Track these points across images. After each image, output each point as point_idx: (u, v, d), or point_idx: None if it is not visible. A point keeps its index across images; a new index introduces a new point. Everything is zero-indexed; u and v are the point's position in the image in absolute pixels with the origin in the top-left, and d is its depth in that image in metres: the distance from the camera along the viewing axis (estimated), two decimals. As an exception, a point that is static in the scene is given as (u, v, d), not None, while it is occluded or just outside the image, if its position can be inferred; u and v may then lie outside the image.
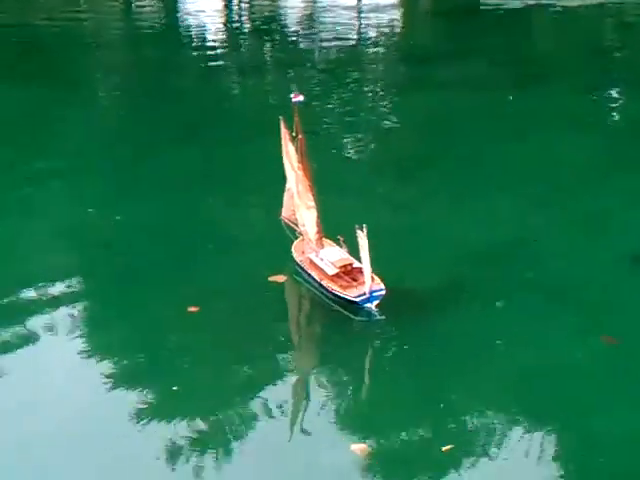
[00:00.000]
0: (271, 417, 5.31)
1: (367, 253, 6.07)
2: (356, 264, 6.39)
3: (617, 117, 9.57)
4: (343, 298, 6.26)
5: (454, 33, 13.65)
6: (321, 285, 6.49)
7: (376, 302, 6.13)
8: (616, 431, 5.09)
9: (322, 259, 6.56)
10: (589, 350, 5.69)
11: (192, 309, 6.23)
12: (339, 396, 5.47)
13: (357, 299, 6.18)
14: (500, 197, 7.56)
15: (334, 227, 6.56)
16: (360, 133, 9.70)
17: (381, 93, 11.15)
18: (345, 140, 9.51)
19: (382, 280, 6.17)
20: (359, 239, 6.09)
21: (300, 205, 6.65)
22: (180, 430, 5.22)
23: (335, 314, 6.25)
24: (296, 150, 6.50)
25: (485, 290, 6.28)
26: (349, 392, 5.56)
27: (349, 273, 6.42)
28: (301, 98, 6.41)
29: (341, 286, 6.33)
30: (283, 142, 6.61)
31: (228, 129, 9.64)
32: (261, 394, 5.49)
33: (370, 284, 6.12)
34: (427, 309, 6.16)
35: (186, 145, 9.18)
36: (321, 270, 6.53)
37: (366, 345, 6.02)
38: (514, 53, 12.21)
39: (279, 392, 5.53)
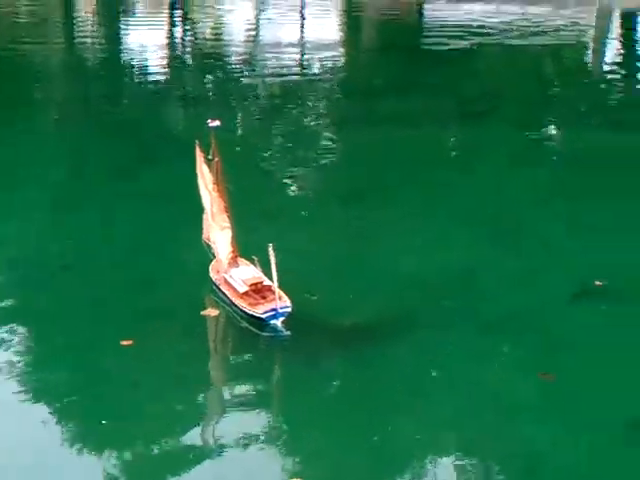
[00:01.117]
0: (192, 443, 5.39)
1: (275, 271, 6.26)
2: (267, 282, 6.60)
3: (556, 152, 9.79)
4: (251, 315, 6.47)
5: (397, 70, 13.93)
6: (232, 303, 6.70)
7: (282, 319, 6.34)
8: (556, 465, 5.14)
9: (235, 278, 6.77)
10: (526, 386, 5.73)
11: (125, 342, 6.31)
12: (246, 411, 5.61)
13: (263, 315, 6.39)
14: (441, 228, 7.65)
15: (259, 248, 6.65)
16: (299, 165, 9.87)
17: (322, 126, 11.35)
18: (284, 171, 9.68)
19: (291, 298, 6.35)
20: (270, 257, 6.27)
21: (214, 226, 6.84)
22: (107, 464, 5.29)
23: (244, 331, 6.42)
24: (211, 172, 6.73)
25: (418, 320, 6.35)
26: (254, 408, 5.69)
27: (259, 291, 6.61)
28: (218, 123, 6.66)
29: (250, 303, 6.53)
30: (198, 164, 6.84)
31: (166, 159, 9.79)
32: (179, 423, 5.57)
33: (277, 301, 6.32)
34: (348, 333, 6.28)
35: (125, 177, 9.33)
36: (233, 288, 6.73)
37: (270, 362, 6.16)
38: (456, 89, 12.47)
39: (193, 418, 5.61)
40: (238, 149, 9.97)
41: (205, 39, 18.09)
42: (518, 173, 8.72)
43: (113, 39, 17.62)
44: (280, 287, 6.37)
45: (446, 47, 15.76)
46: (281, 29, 19.00)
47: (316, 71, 14.40)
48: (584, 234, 7.14)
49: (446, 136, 10.27)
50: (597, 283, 6.24)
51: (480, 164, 9.06)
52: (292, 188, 9.08)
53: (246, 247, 6.83)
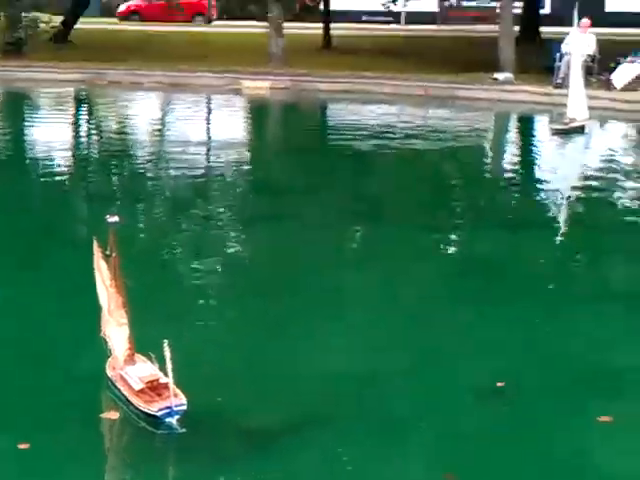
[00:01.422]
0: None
1: (171, 368, 6.12)
2: (163, 379, 6.48)
3: (452, 253, 9.92)
4: (146, 413, 6.35)
5: (301, 169, 14.15)
6: (128, 400, 6.54)
7: (177, 417, 6.23)
8: None
9: (131, 375, 6.63)
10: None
11: (22, 446, 6.02)
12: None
13: (158, 413, 6.27)
14: (348, 327, 7.62)
15: (157, 345, 6.55)
16: (202, 262, 9.81)
17: (225, 224, 11.36)
18: (186, 268, 9.63)
19: (191, 397, 6.27)
20: (165, 353, 6.16)
21: (111, 321, 6.75)
22: None
23: (141, 430, 6.29)
24: (109, 268, 6.69)
25: (321, 422, 6.19)
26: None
27: (155, 389, 6.46)
28: (116, 219, 6.63)
29: (145, 401, 6.39)
30: (95, 260, 6.77)
31: (62, 254, 9.69)
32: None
33: (172, 399, 6.17)
34: (249, 434, 6.13)
35: (22, 269, 9.21)
36: (129, 385, 6.58)
37: (164, 463, 6.02)
38: (358, 190, 12.66)
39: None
40: (139, 245, 9.92)
41: (111, 136, 18.16)
42: (419, 274, 8.81)
43: (16, 135, 17.56)
44: (178, 385, 6.28)
45: (349, 147, 16.12)
46: (188, 127, 19.24)
47: (221, 169, 14.51)
48: (482, 336, 7.21)
49: (348, 235, 10.37)
50: (499, 384, 6.28)
51: (381, 263, 9.14)
52: (194, 285, 9.03)
53: (144, 344, 6.71)
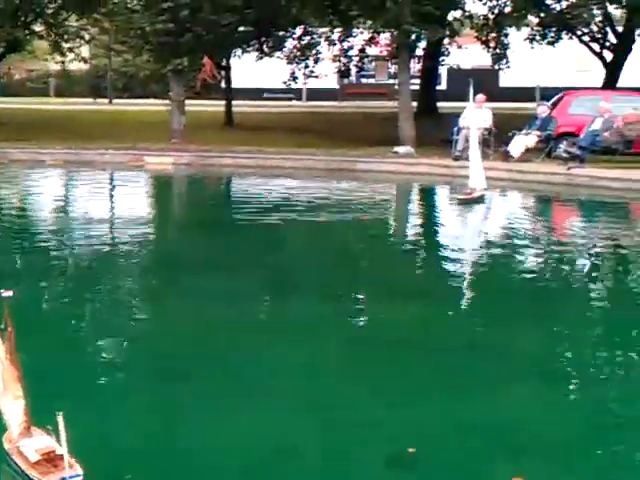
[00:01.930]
0: None
1: (65, 439, 6.03)
2: (59, 451, 6.33)
3: (357, 324, 9.89)
4: (42, 485, 6.17)
5: (206, 245, 14.06)
6: (24, 472, 6.37)
7: (74, 487, 6.08)
8: None
9: (27, 447, 6.49)
10: None
11: None
12: None
13: (54, 485, 6.11)
14: (256, 407, 7.49)
15: (53, 417, 6.35)
16: (103, 336, 9.60)
17: (126, 300, 11.18)
18: (86, 341, 9.40)
19: (83, 467, 6.13)
20: (59, 425, 6.04)
21: (7, 394, 6.56)
22: None
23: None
24: (4, 341, 6.52)
25: None
26: None
27: (52, 460, 6.34)
28: (10, 293, 6.55)
29: (40, 472, 6.25)
30: (-10, 333, 6.61)
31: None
32: None
33: (67, 470, 6.08)
34: None
35: None
36: (25, 458, 6.43)
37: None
38: (264, 263, 12.62)
39: None
40: (36, 319, 9.67)
41: (10, 213, 17.84)
42: (324, 348, 8.76)
43: None
44: (75, 456, 6.10)
45: (254, 221, 16.13)
46: (90, 203, 19.05)
47: (123, 245, 14.33)
48: (393, 402, 7.20)
49: (255, 310, 10.28)
50: (410, 450, 6.27)
51: (286, 339, 9.08)
52: (94, 359, 8.82)
53: (40, 416, 6.52)
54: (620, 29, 34.00)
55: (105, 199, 20.73)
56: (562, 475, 6.08)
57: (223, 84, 36.15)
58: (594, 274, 12.47)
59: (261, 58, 34.84)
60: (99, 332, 9.71)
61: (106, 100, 44.16)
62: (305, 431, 6.82)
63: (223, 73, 36.08)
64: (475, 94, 24.75)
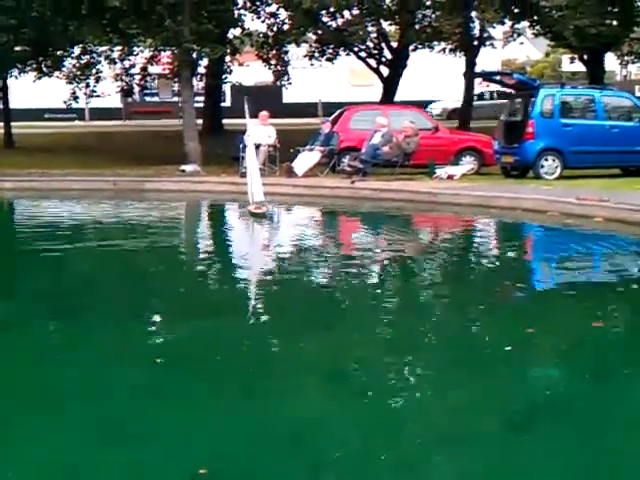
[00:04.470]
0: None
1: None
2: None
3: (152, 344, 9.78)
4: None
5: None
6: None
7: None
8: None
9: None
10: None
11: None
12: None
13: None
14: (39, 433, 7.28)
15: None
16: None
17: None
18: None
19: None
20: None
21: None
22: None
23: None
24: None
25: None
26: None
27: None
28: None
29: None
30: None
31: None
32: None
33: None
34: None
35: None
36: None
37: None
38: (52, 289, 12.32)
39: None
40: None
41: None
42: (118, 371, 8.66)
43: None
44: None
45: (40, 246, 15.68)
46: None
47: None
48: (187, 422, 7.20)
49: (44, 334, 10.01)
50: (202, 471, 6.25)
51: (80, 360, 8.92)
52: None
53: None
54: (395, 45, 35.45)
55: None
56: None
57: (1, 105, 35.01)
58: (380, 282, 12.94)
59: (40, 78, 33.98)
60: None
61: None
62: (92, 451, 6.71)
63: (0, 93, 34.95)
64: (259, 110, 25.16)
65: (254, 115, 22.74)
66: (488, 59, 40.87)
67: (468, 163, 25.33)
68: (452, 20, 32.28)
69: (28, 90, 38.47)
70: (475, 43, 36.40)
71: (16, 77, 34.22)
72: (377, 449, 6.58)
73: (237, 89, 42.14)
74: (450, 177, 23.46)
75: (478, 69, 36.20)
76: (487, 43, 37.01)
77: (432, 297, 11.94)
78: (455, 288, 12.37)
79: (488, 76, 32.11)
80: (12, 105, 35.22)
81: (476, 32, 35.89)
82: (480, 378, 8.18)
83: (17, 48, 29.82)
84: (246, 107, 20.08)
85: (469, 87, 37.08)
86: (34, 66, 33.18)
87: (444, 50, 38.63)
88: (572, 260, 14.14)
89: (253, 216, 18.25)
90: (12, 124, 34.20)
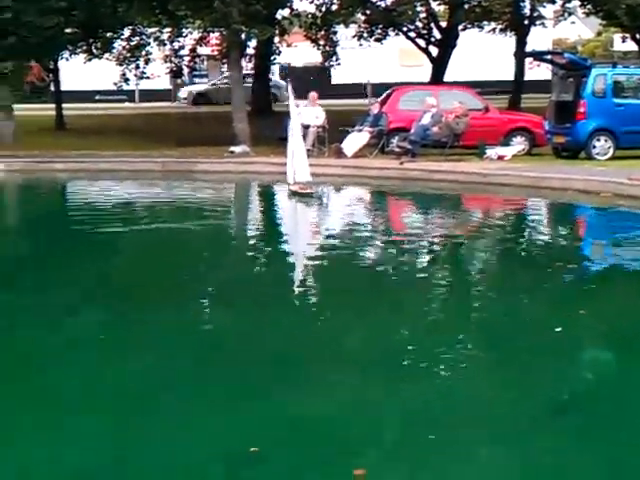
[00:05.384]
0: None
1: None
2: None
3: (199, 332, 9.71)
4: None
5: (42, 254, 13.69)
6: None
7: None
8: None
9: None
10: None
11: None
12: None
13: None
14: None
15: None
16: None
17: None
18: None
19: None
20: None
21: None
22: None
23: None
24: None
25: None
26: None
27: None
28: None
29: None
30: None
31: None
32: None
33: None
34: None
35: None
36: None
37: None
38: (105, 271, 12.44)
39: None
40: None
41: None
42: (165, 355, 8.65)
43: None
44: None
45: (94, 225, 15.76)
46: None
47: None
48: (223, 405, 7.17)
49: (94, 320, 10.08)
50: (252, 449, 6.26)
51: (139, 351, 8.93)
52: None
53: None
54: (444, 25, 35.16)
55: None
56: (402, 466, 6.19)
57: (52, 87, 35.34)
58: (432, 263, 12.91)
59: (90, 60, 34.23)
60: None
61: None
62: (133, 442, 6.56)
63: (52, 76, 35.28)
64: (308, 91, 25.14)
65: (301, 97, 22.72)
66: (539, 39, 40.29)
67: (519, 144, 25.08)
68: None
69: (79, 72, 38.76)
70: (525, 22, 36.01)
71: (67, 59, 34.48)
72: (424, 430, 6.58)
73: (287, 70, 42.15)
74: (500, 158, 23.27)
75: (529, 49, 35.81)
76: (538, 22, 36.57)
77: (485, 278, 11.89)
78: (507, 269, 12.31)
79: (539, 56, 31.78)
80: (63, 87, 35.53)
81: (526, 11, 35.49)
82: (529, 361, 8.13)
83: (67, 30, 30.01)
84: (290, 89, 20.07)
85: (520, 67, 36.71)
86: (84, 48, 33.41)
87: (494, 30, 38.28)
88: (625, 242, 13.99)
89: (298, 196, 18.25)
90: (63, 106, 34.52)
